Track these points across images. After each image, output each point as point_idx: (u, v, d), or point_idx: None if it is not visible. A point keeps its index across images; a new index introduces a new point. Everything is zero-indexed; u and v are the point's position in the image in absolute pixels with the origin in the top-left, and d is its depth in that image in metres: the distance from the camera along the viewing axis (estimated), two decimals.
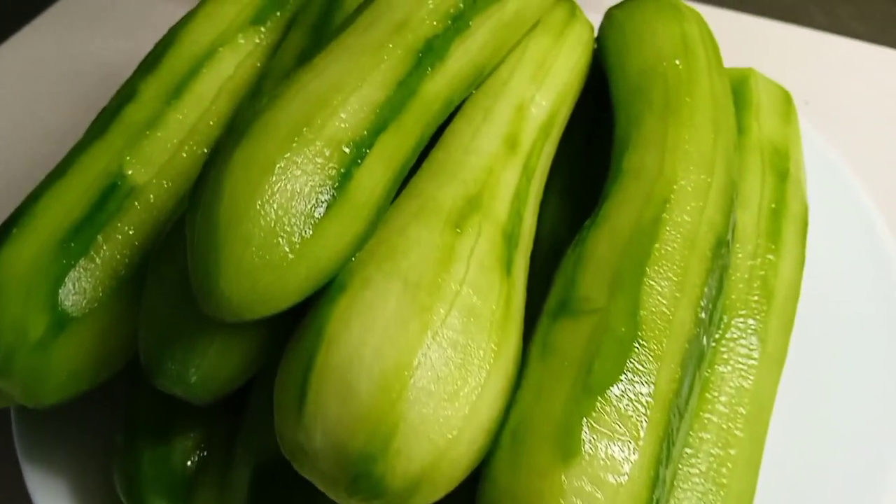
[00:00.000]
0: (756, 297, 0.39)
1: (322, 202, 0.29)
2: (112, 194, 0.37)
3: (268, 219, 0.28)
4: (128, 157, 0.38)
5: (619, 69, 0.44)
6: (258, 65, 0.45)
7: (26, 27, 0.80)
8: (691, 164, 0.37)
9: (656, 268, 0.33)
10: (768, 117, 0.47)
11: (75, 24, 0.80)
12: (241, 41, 0.45)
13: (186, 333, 0.33)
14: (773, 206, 0.42)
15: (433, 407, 0.28)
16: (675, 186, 0.36)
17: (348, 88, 0.32)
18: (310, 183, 0.29)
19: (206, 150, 0.41)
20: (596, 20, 0.49)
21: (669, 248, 0.34)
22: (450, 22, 0.36)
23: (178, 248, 0.34)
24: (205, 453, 0.37)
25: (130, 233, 0.37)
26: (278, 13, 0.47)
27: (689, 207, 0.35)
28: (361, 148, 0.31)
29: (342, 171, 0.30)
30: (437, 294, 0.30)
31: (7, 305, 0.34)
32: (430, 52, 0.35)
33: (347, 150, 0.31)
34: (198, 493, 0.37)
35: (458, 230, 0.33)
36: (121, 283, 0.36)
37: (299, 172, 0.29)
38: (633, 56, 0.44)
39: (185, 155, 0.40)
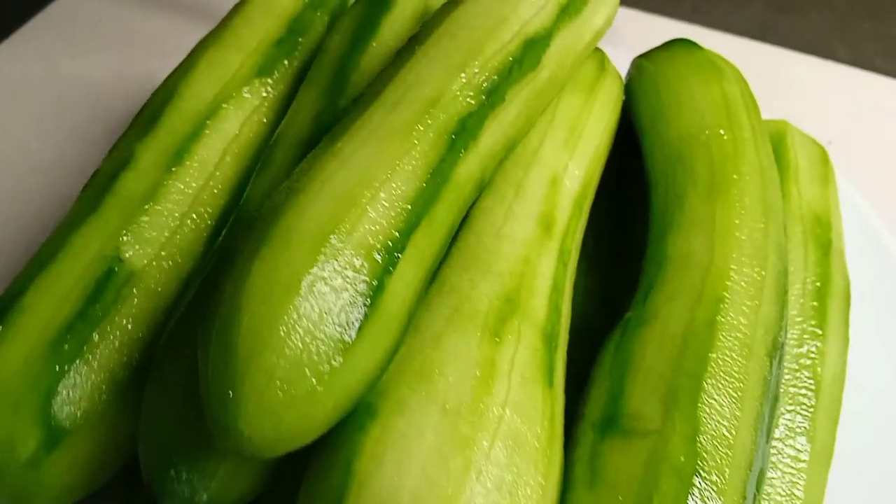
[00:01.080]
0: (804, 391, 0.36)
1: (353, 322, 0.26)
2: (108, 282, 0.33)
3: (293, 348, 0.25)
4: (125, 237, 0.35)
5: (654, 133, 0.41)
6: (265, 121, 0.41)
7: (3, 43, 0.75)
8: (743, 255, 0.34)
9: (714, 382, 0.30)
10: (807, 181, 0.44)
11: (59, 40, 0.75)
12: (247, 95, 0.41)
13: (194, 450, 0.30)
14: (818, 283, 0.40)
15: None
16: (728, 282, 0.33)
17: (377, 182, 0.29)
18: (339, 301, 0.26)
19: (209, 224, 0.37)
20: (614, 55, 0.46)
21: (727, 358, 0.31)
22: (484, 97, 0.33)
23: (183, 348, 0.31)
24: None
25: (129, 327, 0.33)
26: (286, 62, 0.43)
27: (744, 308, 0.32)
28: (394, 252, 0.28)
29: (374, 283, 0.27)
30: (479, 422, 0.27)
31: None
32: (464, 133, 0.32)
33: (379, 258, 0.28)
34: None
35: (497, 339, 0.30)
36: (120, 388, 0.32)
37: (327, 290, 0.26)
38: (671, 121, 0.40)
39: (187, 230, 0.36)
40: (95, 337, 0.32)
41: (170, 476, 0.30)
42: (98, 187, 0.37)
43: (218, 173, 0.38)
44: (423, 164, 0.30)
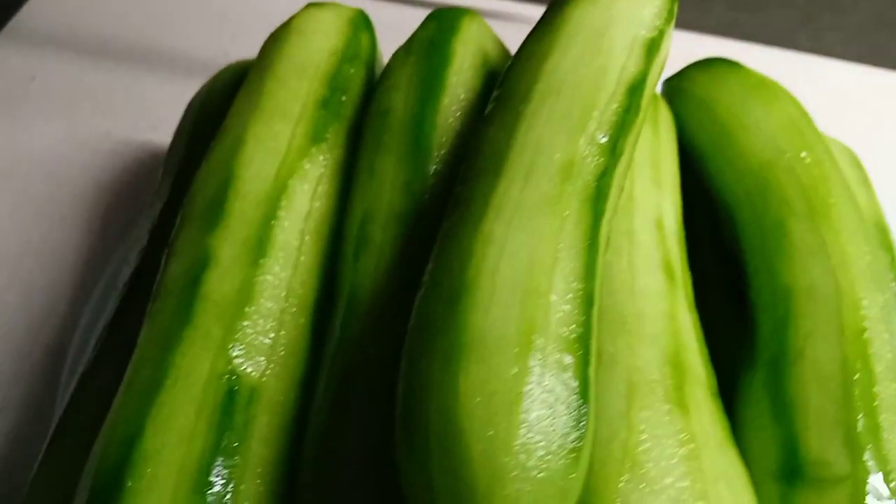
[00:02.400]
0: None
1: (578, 425, 0.25)
2: (233, 405, 0.30)
3: (532, 468, 0.23)
4: (233, 349, 0.31)
5: (723, 160, 0.41)
6: (331, 192, 0.38)
7: None
8: (867, 281, 0.34)
9: (887, 416, 0.30)
10: (856, 187, 0.45)
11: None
12: (308, 167, 0.38)
13: None
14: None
15: None
16: (862, 312, 0.33)
17: (547, 266, 0.27)
18: (559, 406, 0.24)
19: (308, 317, 0.34)
20: None
21: (889, 390, 0.31)
22: (608, 154, 0.32)
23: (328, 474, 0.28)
24: None
25: (267, 451, 0.30)
26: (336, 125, 0.40)
27: (885, 336, 0.33)
28: (586, 339, 0.26)
29: (583, 376, 0.25)
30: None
31: None
32: (601, 196, 0.31)
33: (578, 347, 0.26)
34: None
35: (683, 409, 0.29)
36: None
37: (545, 395, 0.24)
38: (742, 147, 0.40)
39: (290, 328, 0.33)
40: (238, 471, 0.29)
41: None
42: (178, 293, 0.33)
43: (303, 258, 0.35)
44: (577, 237, 0.29)
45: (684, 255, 0.37)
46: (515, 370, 0.24)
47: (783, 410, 0.32)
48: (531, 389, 0.24)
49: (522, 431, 0.23)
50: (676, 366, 0.30)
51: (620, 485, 0.26)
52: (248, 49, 0.53)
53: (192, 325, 0.31)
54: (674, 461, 0.27)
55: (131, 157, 0.63)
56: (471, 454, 0.23)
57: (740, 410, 0.33)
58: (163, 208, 0.44)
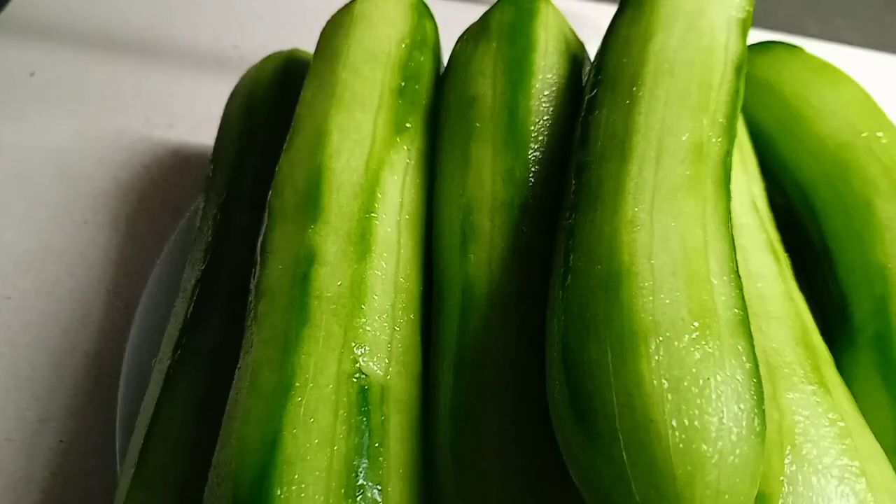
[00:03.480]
0: None
1: (758, 409, 0.24)
2: (368, 405, 0.29)
3: (728, 453, 0.23)
4: (356, 347, 0.30)
5: (795, 141, 0.41)
6: (418, 182, 0.37)
7: None
8: None
9: None
10: None
11: None
12: (395, 157, 0.37)
13: None
14: None
15: None
16: None
17: (700, 249, 0.27)
18: (740, 389, 0.24)
19: (416, 311, 0.33)
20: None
21: None
22: (727, 135, 0.32)
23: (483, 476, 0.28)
24: None
25: (402, 450, 0.29)
26: (415, 114, 0.39)
27: None
28: (748, 323, 0.26)
29: (755, 362, 0.25)
30: (867, 482, 0.26)
31: None
32: (727, 178, 0.31)
33: (746, 332, 0.26)
34: None
35: (825, 388, 0.29)
36: None
37: (727, 378, 0.24)
38: (815, 128, 0.41)
39: (403, 323, 0.32)
40: (384, 472, 0.28)
41: None
42: (287, 292, 0.31)
43: (402, 251, 0.34)
44: (719, 219, 0.29)
45: (779, 237, 0.37)
46: (698, 355, 0.24)
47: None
48: (716, 374, 0.24)
49: (715, 419, 0.23)
50: (807, 346, 0.30)
51: (784, 467, 0.26)
52: (259, 41, 0.52)
53: (310, 324, 0.30)
54: (829, 440, 0.27)
55: (149, 153, 0.60)
56: (667, 443, 0.23)
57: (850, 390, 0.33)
58: (224, 201, 0.42)
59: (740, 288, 0.27)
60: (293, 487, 0.26)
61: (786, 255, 0.36)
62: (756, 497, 0.25)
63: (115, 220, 0.56)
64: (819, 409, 0.28)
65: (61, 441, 0.46)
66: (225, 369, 0.35)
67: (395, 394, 0.30)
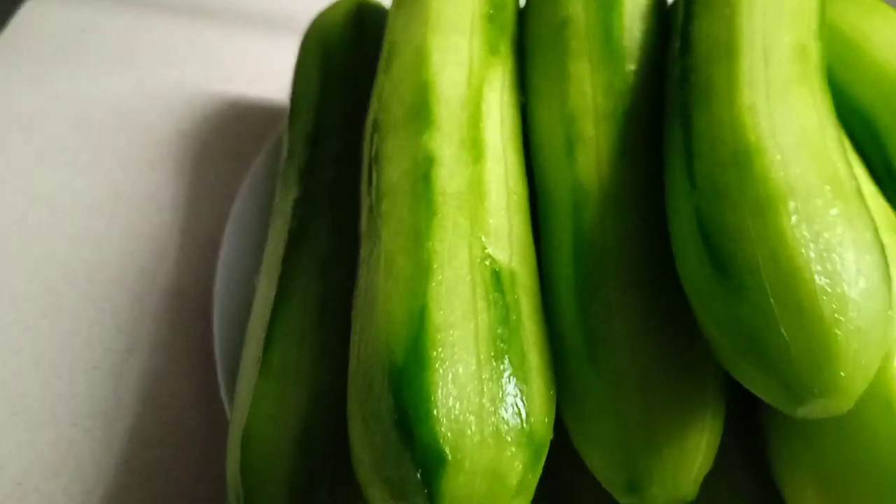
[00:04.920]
0: None
1: (885, 263, 0.27)
2: (501, 285, 0.30)
3: (870, 297, 0.25)
4: (482, 237, 0.32)
5: (851, 72, 0.43)
6: (512, 101, 0.39)
7: None
8: None
9: None
10: None
11: (42, 56, 0.65)
12: (492, 76, 0.39)
13: (674, 436, 0.29)
14: None
15: None
16: None
17: (818, 132, 0.29)
18: (875, 248, 0.26)
19: (523, 215, 0.35)
20: None
21: None
22: (820, 40, 0.34)
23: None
24: None
25: (534, 328, 0.31)
26: (504, 38, 0.41)
27: None
28: (863, 194, 0.29)
29: (875, 226, 0.27)
30: None
31: (476, 450, 0.27)
32: (826, 79, 0.33)
33: (864, 201, 0.28)
34: None
35: None
36: (550, 387, 0.30)
37: (864, 239, 0.26)
38: (874, 57, 0.43)
39: (516, 223, 0.34)
40: (526, 344, 0.29)
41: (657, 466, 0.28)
42: (410, 191, 0.33)
43: (508, 158, 0.36)
44: (827, 110, 0.31)
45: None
46: (834, 212, 0.26)
47: None
48: (850, 228, 0.26)
49: (853, 265, 0.25)
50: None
51: None
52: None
53: (438, 215, 0.32)
54: None
55: (209, 105, 0.62)
56: (812, 287, 0.25)
57: None
58: (312, 132, 0.44)
59: (852, 166, 0.29)
60: (447, 350, 0.28)
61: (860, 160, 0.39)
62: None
63: (181, 167, 0.57)
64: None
65: (147, 369, 0.47)
66: (338, 274, 0.37)
67: (521, 279, 0.32)
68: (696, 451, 0.29)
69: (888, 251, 0.31)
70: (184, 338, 0.49)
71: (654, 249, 0.31)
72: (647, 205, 0.33)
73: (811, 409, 0.25)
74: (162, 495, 0.42)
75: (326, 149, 0.43)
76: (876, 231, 0.27)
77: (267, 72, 0.64)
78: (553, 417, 0.30)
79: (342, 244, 0.38)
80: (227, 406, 0.38)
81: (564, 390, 0.31)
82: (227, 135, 0.60)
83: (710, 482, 0.30)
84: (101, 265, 0.51)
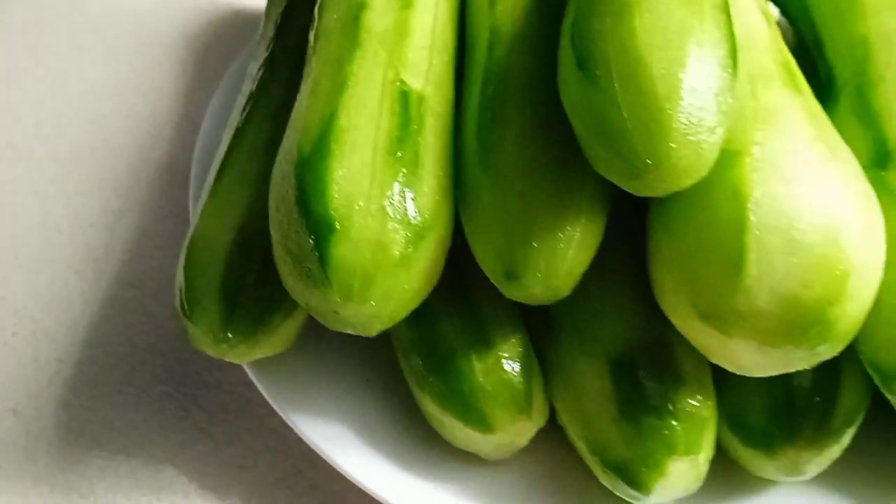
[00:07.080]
0: None
1: (732, 62, 0.29)
2: (408, 102, 0.34)
3: (703, 93, 0.28)
4: (399, 67, 0.36)
5: (839, 34, 0.44)
6: None
7: None
8: None
9: None
10: None
11: None
12: None
13: (547, 229, 0.32)
14: None
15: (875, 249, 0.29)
16: None
17: None
18: (722, 65, 0.29)
19: (447, 58, 0.39)
20: None
21: None
22: None
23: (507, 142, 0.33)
24: (526, 358, 0.36)
25: (434, 140, 0.35)
26: None
27: None
28: (728, 10, 0.31)
29: (733, 43, 0.30)
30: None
31: (362, 222, 0.31)
32: None
33: (728, 17, 0.31)
34: (534, 398, 0.36)
35: (798, 92, 0.34)
36: (446, 190, 0.34)
37: (713, 54, 0.29)
38: (857, 21, 0.43)
39: (437, 63, 0.38)
40: (419, 146, 0.33)
41: (528, 260, 0.32)
42: (340, 30, 0.37)
43: (439, 9, 0.40)
44: None
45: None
46: (684, 12, 0.29)
47: (870, 120, 0.37)
48: (699, 29, 0.29)
49: (694, 60, 0.28)
50: (785, 66, 0.35)
51: (757, 135, 0.31)
52: None
53: (361, 47, 0.36)
54: (801, 122, 0.32)
55: (216, 14, 0.67)
56: (650, 72, 0.28)
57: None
58: (278, 26, 0.48)
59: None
60: (347, 144, 0.32)
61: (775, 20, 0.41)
62: (726, 153, 0.31)
63: (184, 63, 0.63)
64: (795, 102, 0.33)
65: (137, 227, 0.52)
66: (287, 119, 0.41)
67: (430, 103, 0.36)
68: (567, 245, 0.32)
69: (771, 85, 0.34)
70: (172, 204, 0.54)
71: (549, 78, 0.35)
72: (551, 45, 0.36)
73: (648, 183, 0.28)
74: (137, 324, 0.47)
75: (296, 18, 0.47)
76: (731, 35, 0.30)
77: None
78: (447, 215, 0.34)
79: (294, 96, 0.43)
80: None
81: (462, 194, 0.34)
82: (227, 39, 0.65)
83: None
84: (104, 141, 0.57)
